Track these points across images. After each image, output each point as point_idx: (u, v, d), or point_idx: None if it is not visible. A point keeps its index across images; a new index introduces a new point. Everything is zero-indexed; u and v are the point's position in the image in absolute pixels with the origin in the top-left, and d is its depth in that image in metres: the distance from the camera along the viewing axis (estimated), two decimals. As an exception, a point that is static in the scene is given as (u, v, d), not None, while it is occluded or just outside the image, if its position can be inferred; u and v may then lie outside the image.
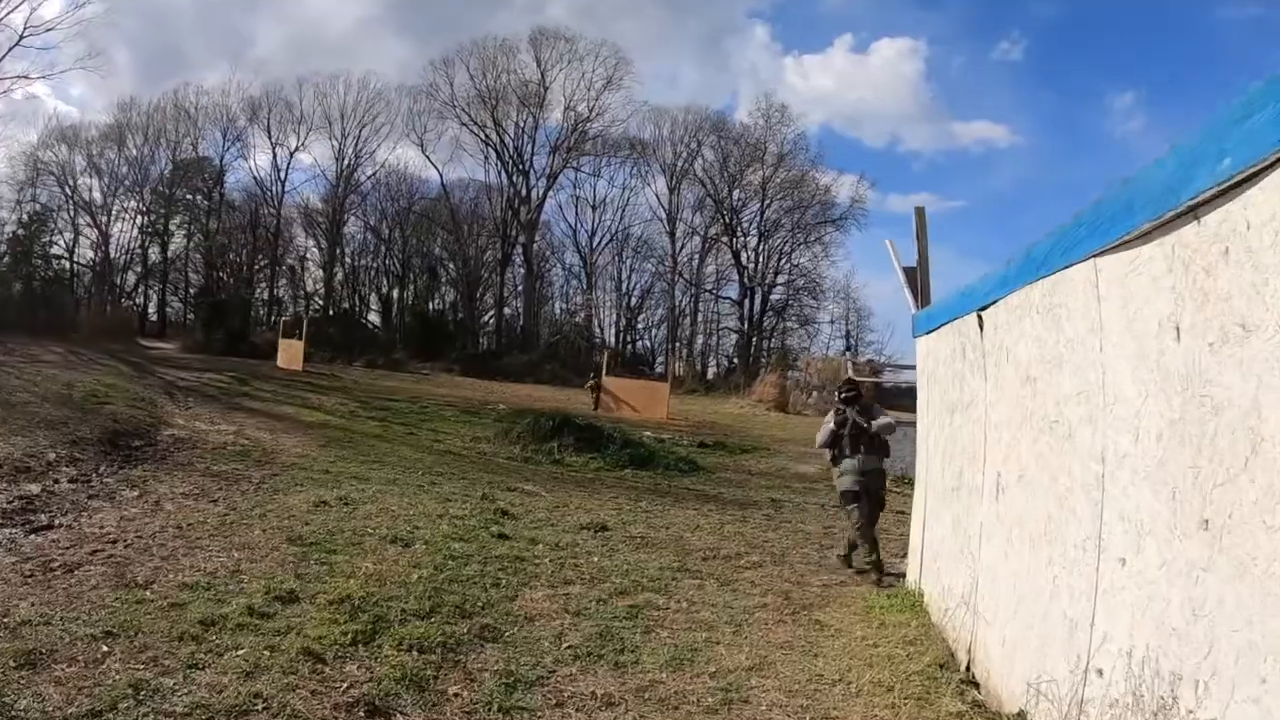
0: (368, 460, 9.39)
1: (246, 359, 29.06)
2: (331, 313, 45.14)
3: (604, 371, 23.83)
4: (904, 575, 5.87)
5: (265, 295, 47.49)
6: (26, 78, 30.98)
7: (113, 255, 44.66)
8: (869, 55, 62.65)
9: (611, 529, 6.92)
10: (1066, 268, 2.97)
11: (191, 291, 46.63)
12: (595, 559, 5.85)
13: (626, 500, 8.50)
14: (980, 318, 4.20)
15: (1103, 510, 2.61)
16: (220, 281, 46.08)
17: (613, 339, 47.28)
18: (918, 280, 6.36)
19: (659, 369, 41.98)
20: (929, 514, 5.32)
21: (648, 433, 16.63)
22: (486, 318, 48.40)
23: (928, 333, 5.64)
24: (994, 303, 3.97)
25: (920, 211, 6.43)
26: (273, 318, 43.82)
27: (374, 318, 47.43)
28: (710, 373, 44.03)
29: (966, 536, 4.30)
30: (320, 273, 47.21)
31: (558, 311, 49.49)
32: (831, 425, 6.25)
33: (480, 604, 4.47)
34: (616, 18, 61.27)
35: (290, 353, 28.04)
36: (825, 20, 62.96)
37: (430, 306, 46.44)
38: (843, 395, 6.40)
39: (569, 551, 5.97)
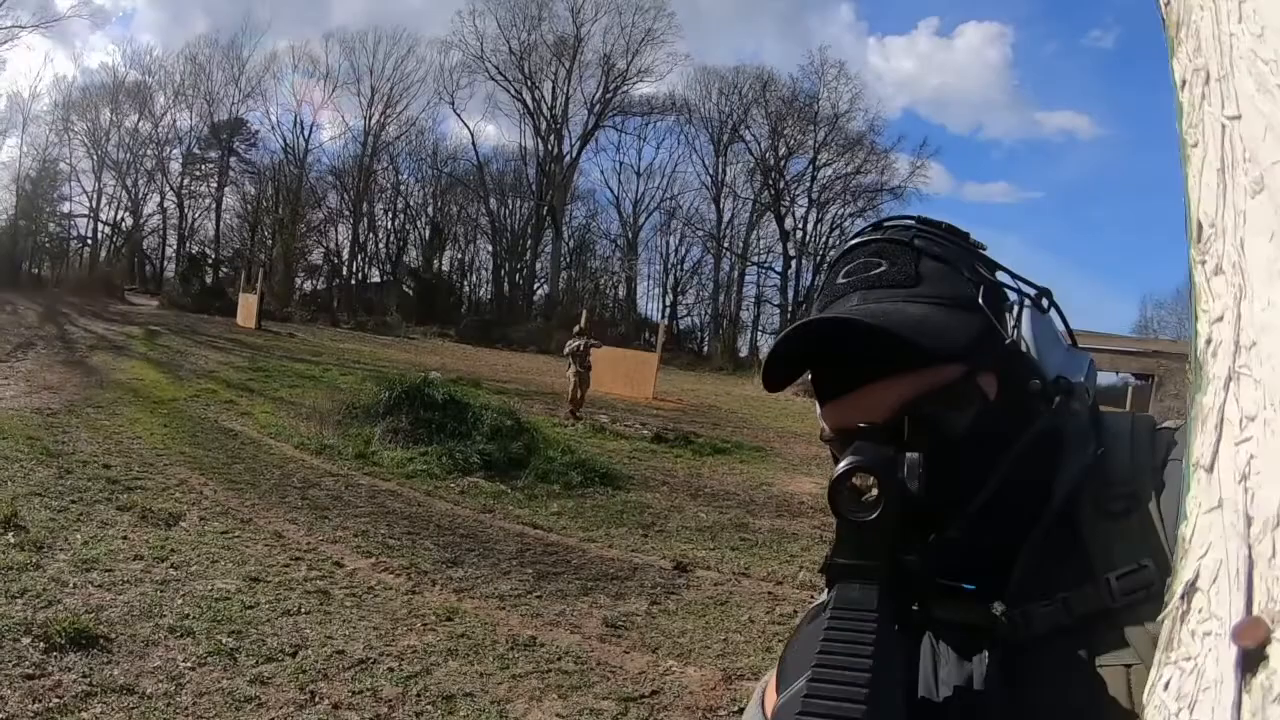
0: (52, 438, 6.13)
1: (218, 316, 27.56)
2: (343, 276, 43.00)
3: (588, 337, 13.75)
4: None
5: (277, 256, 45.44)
6: (20, 27, 29.35)
7: (140, 217, 43.55)
8: (954, 39, 57.92)
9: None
10: None
11: (223, 256, 45.12)
12: None
13: (358, 552, 4.46)
14: None
15: None
16: (263, 243, 44.52)
17: (656, 314, 43.48)
18: None
19: (698, 347, 38.04)
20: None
21: (603, 416, 13.00)
22: (519, 283, 45.31)
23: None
24: None
25: None
26: (297, 280, 42.28)
27: (392, 283, 44.95)
28: (744, 351, 39.62)
29: None
30: (344, 235, 45.02)
31: (601, 283, 46.09)
32: None
33: None
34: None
35: (246, 309, 26.06)
36: (910, 1, 58.57)
37: (441, 270, 43.52)
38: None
39: None
